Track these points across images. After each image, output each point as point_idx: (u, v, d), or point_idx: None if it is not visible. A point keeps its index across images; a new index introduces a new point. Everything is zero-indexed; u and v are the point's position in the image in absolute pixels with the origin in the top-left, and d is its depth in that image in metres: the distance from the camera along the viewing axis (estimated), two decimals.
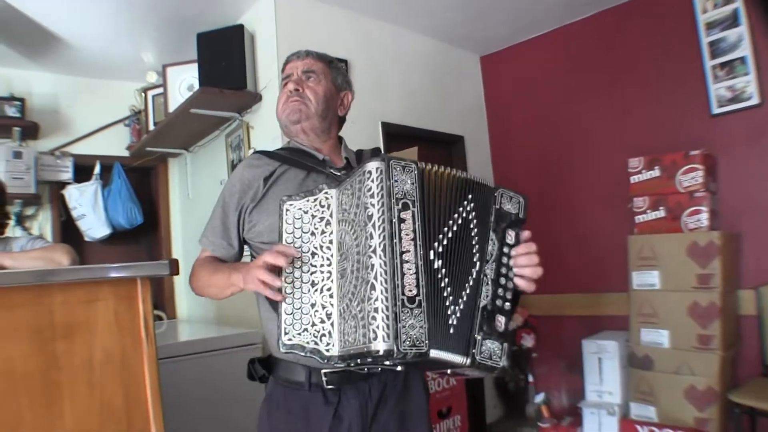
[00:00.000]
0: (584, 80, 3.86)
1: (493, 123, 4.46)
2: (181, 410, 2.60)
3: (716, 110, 3.27)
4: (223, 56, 3.20)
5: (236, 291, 1.44)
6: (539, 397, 3.53)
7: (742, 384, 2.97)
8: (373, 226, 1.13)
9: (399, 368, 1.18)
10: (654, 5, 3.52)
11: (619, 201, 3.43)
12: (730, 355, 2.99)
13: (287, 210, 1.34)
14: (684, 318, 3.00)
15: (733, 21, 3.19)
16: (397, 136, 3.58)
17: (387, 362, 1.12)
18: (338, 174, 1.52)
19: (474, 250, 1.23)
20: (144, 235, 4.30)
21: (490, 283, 1.23)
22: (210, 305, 3.95)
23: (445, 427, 3.22)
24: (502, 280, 1.25)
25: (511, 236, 1.29)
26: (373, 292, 1.09)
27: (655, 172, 3.21)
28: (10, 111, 3.58)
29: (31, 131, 3.69)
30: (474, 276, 1.22)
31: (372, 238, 1.13)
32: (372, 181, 1.16)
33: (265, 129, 3.21)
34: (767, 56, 3.11)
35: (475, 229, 1.24)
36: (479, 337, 1.18)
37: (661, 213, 3.19)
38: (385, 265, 1.10)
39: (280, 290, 1.26)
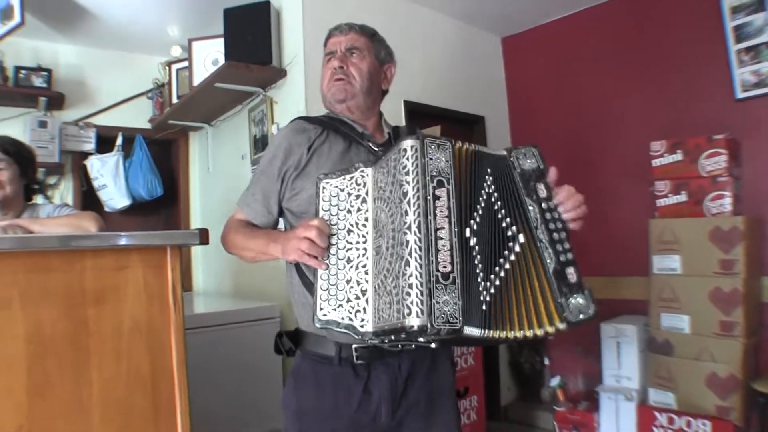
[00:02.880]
0: (608, 63, 3.84)
1: (513, 104, 4.46)
2: (199, 381, 2.61)
3: (741, 95, 3.24)
4: (249, 31, 3.21)
5: (270, 259, 1.46)
6: (555, 381, 3.51)
7: (764, 372, 2.94)
8: (408, 203, 1.14)
9: (433, 345, 1.18)
10: None
11: (641, 184, 3.39)
12: (753, 342, 2.94)
13: (323, 188, 1.35)
14: (705, 303, 2.95)
15: (758, 6, 3.16)
16: (419, 115, 3.58)
17: (421, 338, 1.12)
18: (376, 149, 1.52)
19: (506, 223, 1.23)
20: (163, 207, 4.35)
21: (548, 245, 1.23)
22: (227, 278, 3.97)
23: (462, 407, 3.20)
24: (556, 236, 1.25)
25: (542, 189, 1.29)
26: (407, 268, 1.10)
27: (678, 156, 3.17)
28: (37, 81, 3.65)
29: (56, 102, 3.75)
30: (519, 250, 1.21)
31: (407, 215, 1.13)
32: (407, 159, 1.17)
33: (289, 104, 3.22)
34: None
35: (499, 202, 1.23)
36: (563, 300, 1.19)
37: (682, 197, 3.15)
38: (420, 241, 1.10)
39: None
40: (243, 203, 1.62)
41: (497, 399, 3.87)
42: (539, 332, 1.17)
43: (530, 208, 1.26)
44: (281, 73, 3.26)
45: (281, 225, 1.63)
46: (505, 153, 1.31)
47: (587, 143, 3.89)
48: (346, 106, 1.59)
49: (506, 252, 1.20)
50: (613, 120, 3.81)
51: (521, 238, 1.22)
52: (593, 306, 1.21)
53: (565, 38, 4.11)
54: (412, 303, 1.07)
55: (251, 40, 3.20)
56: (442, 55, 3.95)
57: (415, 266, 1.09)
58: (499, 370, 3.97)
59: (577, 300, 1.20)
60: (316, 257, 1.28)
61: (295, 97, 3.17)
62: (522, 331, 1.16)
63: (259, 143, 3.47)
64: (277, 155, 1.55)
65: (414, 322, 1.06)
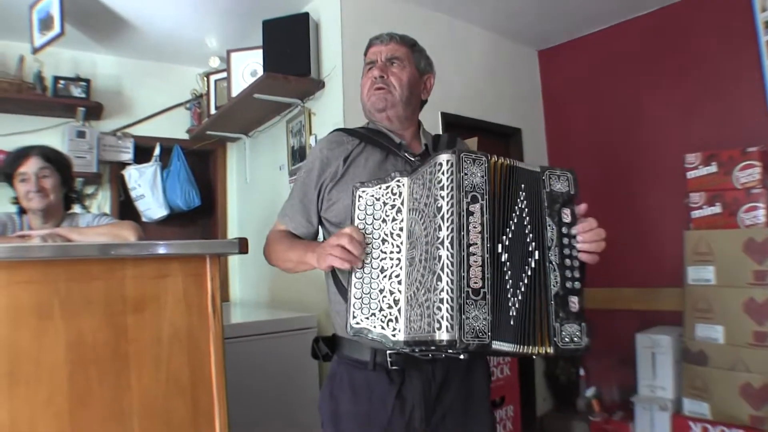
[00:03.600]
0: (643, 75, 3.87)
1: (550, 116, 4.49)
2: (237, 390, 2.64)
3: None
4: (288, 43, 3.24)
5: (308, 269, 1.49)
6: (590, 391, 3.54)
7: None
8: (442, 218, 1.15)
9: (462, 356, 1.19)
10: (716, 2, 3.53)
11: (676, 196, 3.42)
12: None
13: (360, 196, 1.37)
14: (739, 314, 2.98)
15: None
16: (456, 126, 3.61)
17: (450, 351, 1.15)
18: (413, 159, 1.54)
19: (529, 239, 1.24)
20: (200, 217, 4.37)
21: (557, 268, 1.25)
22: (264, 289, 4.00)
23: (498, 416, 3.23)
24: (568, 262, 1.27)
25: (567, 215, 1.30)
26: (439, 282, 1.12)
27: (712, 168, 3.20)
28: (76, 91, 3.67)
29: (94, 112, 3.78)
30: (534, 266, 1.23)
31: (440, 229, 1.15)
32: (442, 173, 1.17)
33: (327, 116, 3.25)
34: None
35: (527, 218, 1.25)
36: (557, 325, 1.21)
37: (717, 209, 3.18)
38: (452, 257, 1.12)
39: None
40: (283, 215, 1.66)
41: (533, 409, 3.89)
42: (527, 350, 1.18)
43: (549, 228, 1.27)
44: (319, 85, 3.29)
45: (320, 236, 1.66)
46: (539, 170, 1.30)
47: (623, 155, 3.92)
48: (385, 115, 1.60)
49: (526, 267, 1.23)
50: (649, 132, 3.84)
51: (536, 254, 1.24)
52: (586, 339, 1.22)
53: (600, 51, 4.15)
54: (442, 318, 1.10)
55: (290, 51, 3.23)
56: (479, 68, 3.99)
57: (447, 281, 1.11)
58: (535, 380, 3.99)
59: (572, 328, 1.22)
60: (350, 261, 1.30)
61: (333, 109, 3.20)
62: (516, 347, 1.17)
63: (297, 154, 3.49)
64: (315, 166, 1.58)
65: (443, 336, 1.09)
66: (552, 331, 1.21)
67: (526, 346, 1.17)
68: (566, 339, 1.21)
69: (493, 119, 4.00)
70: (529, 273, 1.22)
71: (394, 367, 1.43)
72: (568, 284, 1.25)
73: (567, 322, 1.21)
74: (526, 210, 1.25)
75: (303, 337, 3.04)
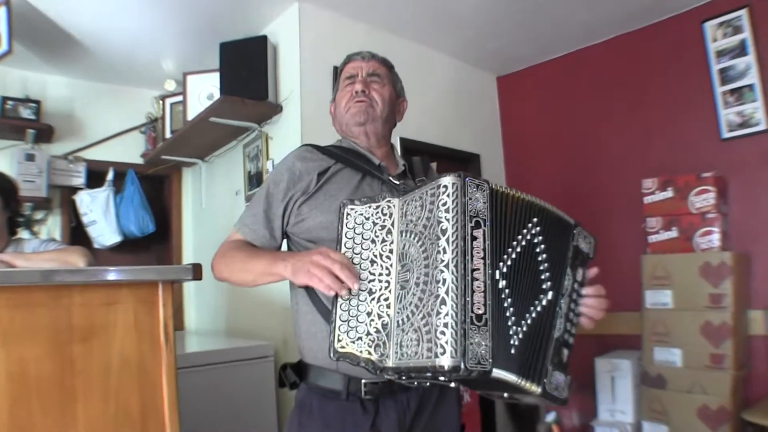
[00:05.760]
0: (600, 102, 3.95)
1: (508, 142, 4.54)
2: (190, 421, 2.56)
3: (726, 134, 3.36)
4: (246, 66, 3.20)
5: (275, 280, 1.39)
6: (550, 416, 3.51)
7: (754, 403, 3.01)
8: (447, 241, 1.12)
9: (452, 385, 1.17)
10: (669, 32, 3.63)
11: (633, 220, 3.48)
12: (742, 374, 3.02)
13: (347, 214, 1.32)
14: (697, 337, 3.03)
15: (741, 50, 3.30)
16: (414, 152, 3.58)
17: (442, 378, 1.11)
18: (396, 183, 1.48)
19: (545, 277, 1.25)
20: (155, 244, 4.26)
21: (563, 316, 1.26)
22: (220, 317, 3.91)
23: None
24: (572, 315, 1.29)
25: (580, 274, 1.33)
26: (443, 306, 1.09)
27: (669, 193, 3.27)
28: (25, 113, 3.56)
29: (45, 134, 3.67)
30: (545, 305, 1.24)
31: (445, 252, 1.12)
32: (448, 196, 1.16)
33: (285, 140, 3.23)
34: None
35: (544, 255, 1.25)
36: (551, 368, 1.20)
37: (673, 233, 3.24)
38: (457, 281, 1.10)
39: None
40: (242, 224, 1.55)
41: None
42: (521, 383, 1.16)
43: (567, 277, 1.29)
44: (277, 109, 3.27)
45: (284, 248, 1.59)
46: (573, 223, 1.35)
47: (580, 180, 3.97)
48: (364, 129, 1.56)
49: (536, 303, 1.22)
50: (606, 158, 3.90)
51: (549, 295, 1.24)
52: (567, 393, 1.23)
53: (558, 78, 4.22)
54: (447, 343, 1.06)
55: (247, 74, 3.20)
56: (438, 93, 4.01)
57: (452, 305, 1.08)
58: (495, 407, 3.96)
59: (560, 377, 1.22)
60: (334, 289, 1.23)
61: (290, 133, 3.17)
62: (516, 378, 1.16)
63: (254, 179, 3.44)
64: (284, 178, 1.50)
65: (447, 362, 1.05)
66: (545, 372, 1.19)
67: (523, 379, 1.15)
68: (553, 384, 1.20)
69: (452, 144, 4.01)
70: (539, 309, 1.22)
71: (367, 397, 1.38)
72: (566, 336, 1.26)
73: (558, 369, 1.21)
74: (543, 246, 1.26)
75: (259, 366, 2.99)
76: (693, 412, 2.99)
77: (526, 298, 1.21)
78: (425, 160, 1.71)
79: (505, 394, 1.28)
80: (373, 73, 1.60)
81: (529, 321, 1.19)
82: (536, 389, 1.17)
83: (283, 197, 1.50)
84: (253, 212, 1.54)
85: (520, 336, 1.17)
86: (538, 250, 1.25)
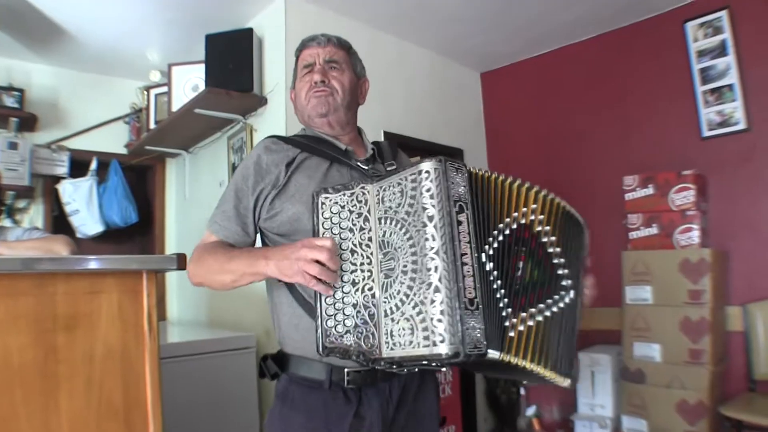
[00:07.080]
0: (582, 99, 3.98)
1: (491, 137, 4.57)
2: (173, 411, 2.55)
3: (707, 133, 3.40)
4: (231, 58, 3.20)
5: (257, 280, 1.34)
6: (531, 410, 3.54)
7: (731, 398, 3.04)
8: (435, 227, 1.11)
9: (444, 369, 1.19)
10: (652, 31, 3.67)
11: (614, 217, 3.50)
12: (720, 369, 3.06)
13: (322, 203, 1.28)
14: (676, 333, 3.06)
15: (721, 51, 3.34)
16: (398, 146, 3.61)
17: (435, 364, 1.11)
18: (365, 168, 1.47)
19: (553, 269, 1.28)
20: (138, 234, 4.25)
21: (579, 309, 1.30)
22: (202, 308, 3.90)
23: None
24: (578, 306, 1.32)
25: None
26: (437, 294, 1.07)
27: (649, 190, 3.30)
28: (9, 101, 3.53)
29: (28, 123, 3.65)
30: (559, 295, 1.26)
31: (434, 239, 1.10)
32: (431, 181, 1.13)
33: (269, 132, 3.13)
34: (753, 85, 3.26)
35: (556, 248, 1.30)
36: (575, 361, 1.25)
37: (654, 230, 3.27)
38: (448, 267, 1.08)
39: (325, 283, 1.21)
40: (213, 223, 1.50)
41: (474, 429, 3.87)
42: (548, 375, 1.19)
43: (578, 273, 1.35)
44: (262, 101, 3.26)
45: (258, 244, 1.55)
46: (583, 222, 1.47)
47: (562, 176, 3.98)
48: (327, 120, 1.54)
49: (556, 293, 1.26)
50: (588, 154, 3.94)
51: (572, 294, 1.29)
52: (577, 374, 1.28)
53: (541, 75, 4.25)
54: (445, 330, 1.05)
55: (232, 67, 3.19)
56: (423, 89, 4.03)
57: (445, 292, 1.06)
58: (476, 400, 3.99)
59: (576, 368, 1.27)
60: (325, 282, 1.19)
61: (275, 125, 3.17)
62: (532, 364, 1.16)
63: None
64: (251, 172, 1.47)
65: (445, 349, 1.04)
66: (570, 365, 1.23)
67: (518, 358, 1.15)
68: (575, 376, 1.24)
69: (435, 139, 4.03)
70: (560, 305, 1.25)
71: (350, 386, 1.36)
72: (567, 317, 1.28)
73: (575, 359, 1.26)
74: (552, 237, 1.30)
75: (241, 357, 2.98)
76: (672, 407, 3.02)
77: (515, 278, 1.20)
78: (392, 144, 1.70)
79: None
80: (330, 59, 1.56)
81: (535, 306, 1.21)
82: (565, 382, 1.21)
83: (252, 191, 1.46)
84: (222, 209, 1.50)
85: (519, 319, 1.17)
86: (542, 238, 1.28)
